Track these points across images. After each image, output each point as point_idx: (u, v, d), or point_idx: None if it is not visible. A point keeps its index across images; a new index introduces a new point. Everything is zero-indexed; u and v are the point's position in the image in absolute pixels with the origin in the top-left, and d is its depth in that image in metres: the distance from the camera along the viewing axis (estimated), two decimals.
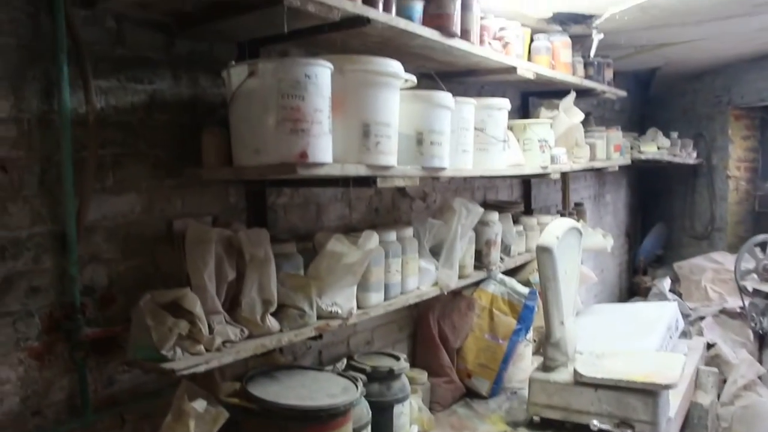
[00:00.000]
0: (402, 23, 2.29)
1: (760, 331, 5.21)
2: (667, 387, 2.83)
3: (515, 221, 3.76)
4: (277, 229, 2.52)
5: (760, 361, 5.08)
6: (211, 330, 1.94)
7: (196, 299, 1.92)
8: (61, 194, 1.85)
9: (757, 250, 5.53)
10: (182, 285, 2.00)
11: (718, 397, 4.58)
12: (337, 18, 1.99)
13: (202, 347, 1.90)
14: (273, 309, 2.11)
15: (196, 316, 1.90)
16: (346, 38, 2.34)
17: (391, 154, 2.18)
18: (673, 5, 3.47)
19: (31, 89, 1.80)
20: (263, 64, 1.85)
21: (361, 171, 2.07)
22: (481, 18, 2.94)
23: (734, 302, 5.59)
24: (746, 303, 5.38)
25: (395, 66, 2.16)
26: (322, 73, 1.90)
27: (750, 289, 5.40)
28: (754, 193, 6.70)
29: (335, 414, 2.10)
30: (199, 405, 1.87)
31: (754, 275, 5.52)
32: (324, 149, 1.91)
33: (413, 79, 2.26)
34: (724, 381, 4.81)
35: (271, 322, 2.09)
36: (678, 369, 2.96)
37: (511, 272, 3.71)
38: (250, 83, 1.85)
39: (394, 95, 2.19)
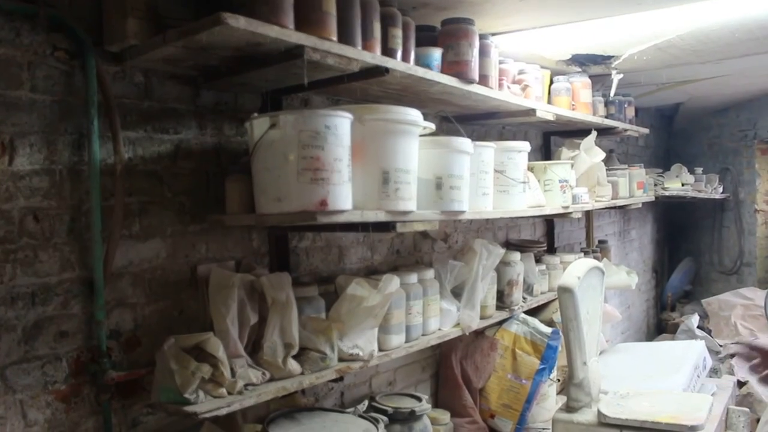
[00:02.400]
0: (420, 71, 2.35)
1: None
2: (694, 429, 2.78)
3: (538, 260, 3.77)
4: (299, 272, 2.57)
5: None
6: (233, 373, 1.99)
7: (219, 343, 1.96)
8: (89, 241, 1.92)
9: None
10: (205, 329, 2.06)
11: None
12: (356, 69, 2.06)
13: (224, 390, 1.94)
14: (294, 352, 2.14)
15: (218, 360, 1.94)
16: (367, 86, 2.41)
17: (410, 200, 2.21)
18: (691, 45, 3.48)
19: (64, 142, 1.88)
20: (284, 116, 1.91)
21: (381, 217, 2.11)
22: (500, 62, 2.99)
23: (766, 339, 5.48)
24: None
25: (414, 114, 2.21)
26: (341, 123, 1.95)
27: None
28: None
29: None
30: None
31: None
32: (344, 197, 1.96)
33: (432, 126, 2.31)
34: (758, 420, 4.70)
35: (293, 365, 2.12)
36: (704, 410, 2.92)
37: (533, 311, 3.70)
38: (272, 134, 1.91)
39: (413, 142, 2.23)
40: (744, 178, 6.62)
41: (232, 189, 2.15)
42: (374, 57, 2.13)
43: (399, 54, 2.31)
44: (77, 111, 1.90)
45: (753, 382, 5.02)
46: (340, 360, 2.28)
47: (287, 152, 1.88)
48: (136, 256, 2.05)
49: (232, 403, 1.91)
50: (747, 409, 4.25)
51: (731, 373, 5.15)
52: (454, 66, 2.54)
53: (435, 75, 2.43)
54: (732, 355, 5.44)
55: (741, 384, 4.97)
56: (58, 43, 1.86)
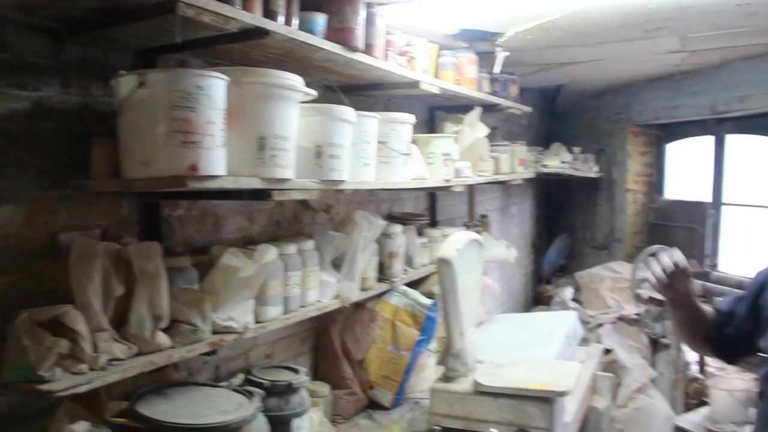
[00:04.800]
0: (303, 36, 2.28)
1: (654, 337, 5.49)
2: (562, 394, 2.91)
3: (420, 233, 3.80)
4: (173, 242, 2.46)
5: (653, 365, 5.34)
6: (96, 348, 1.87)
7: (79, 316, 1.84)
8: None
9: (651, 259, 5.79)
10: (67, 302, 1.92)
11: (614, 400, 4.76)
12: (234, 29, 1.97)
13: (85, 366, 1.81)
14: (164, 325, 2.05)
15: (78, 334, 1.82)
16: (247, 49, 2.31)
17: (288, 168, 2.16)
18: (573, 27, 3.59)
19: None
20: (153, 74, 1.80)
21: (256, 184, 2.04)
22: (387, 33, 2.96)
23: (631, 309, 5.84)
24: (641, 310, 5.64)
25: (294, 79, 2.14)
26: (215, 84, 1.86)
27: (645, 297, 5.66)
28: (650, 205, 7.01)
29: (227, 431, 2.06)
30: (81, 427, 1.80)
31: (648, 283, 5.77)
32: (216, 162, 1.87)
33: (313, 93, 2.25)
34: (619, 384, 5.02)
35: (161, 338, 2.03)
36: (572, 376, 3.05)
37: (415, 284, 3.75)
38: (140, 93, 1.79)
39: (292, 108, 2.17)
40: (617, 159, 6.96)
41: (98, 152, 2.01)
42: (254, 18, 2.04)
43: (282, 18, 2.23)
44: None
45: (617, 349, 5.35)
46: (214, 332, 2.20)
47: (156, 113, 1.77)
48: None
49: (94, 380, 1.80)
50: (611, 375, 4.53)
51: (599, 341, 5.46)
52: (338, 33, 2.49)
53: (318, 41, 2.37)
54: (600, 325, 5.77)
55: (607, 351, 5.27)
56: None
